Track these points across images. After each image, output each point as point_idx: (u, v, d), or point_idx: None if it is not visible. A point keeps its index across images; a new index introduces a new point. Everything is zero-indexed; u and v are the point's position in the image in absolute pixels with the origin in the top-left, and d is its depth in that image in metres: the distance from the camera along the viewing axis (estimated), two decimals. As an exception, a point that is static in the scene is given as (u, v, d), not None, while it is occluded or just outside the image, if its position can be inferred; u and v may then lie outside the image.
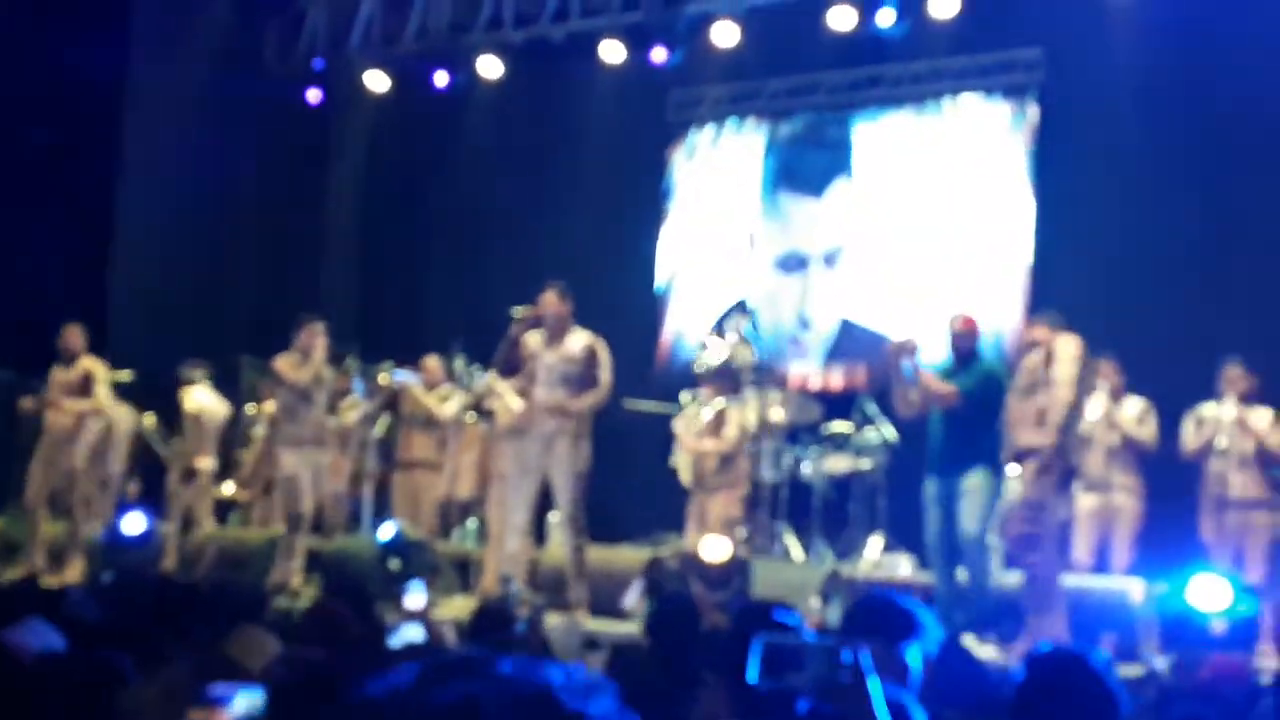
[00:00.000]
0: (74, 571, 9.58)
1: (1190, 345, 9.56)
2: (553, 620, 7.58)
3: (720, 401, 9.59)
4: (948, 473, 7.49)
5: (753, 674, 2.14)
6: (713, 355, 10.07)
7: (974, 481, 7.40)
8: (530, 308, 8.27)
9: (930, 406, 7.63)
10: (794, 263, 12.44)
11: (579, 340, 8.22)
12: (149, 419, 10.95)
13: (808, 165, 12.48)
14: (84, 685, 2.91)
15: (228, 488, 11.14)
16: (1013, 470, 7.63)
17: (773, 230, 12.60)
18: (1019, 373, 7.47)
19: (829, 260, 12.27)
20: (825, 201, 12.38)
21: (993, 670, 6.73)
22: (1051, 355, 7.17)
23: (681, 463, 9.49)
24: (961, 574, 7.50)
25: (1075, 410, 7.21)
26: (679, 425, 9.58)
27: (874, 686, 2.21)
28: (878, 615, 3.17)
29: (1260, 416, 8.40)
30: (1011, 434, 7.42)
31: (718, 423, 9.41)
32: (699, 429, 9.51)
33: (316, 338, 9.03)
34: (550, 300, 8.21)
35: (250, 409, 11.36)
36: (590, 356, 8.19)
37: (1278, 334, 9.73)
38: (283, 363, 9.07)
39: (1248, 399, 8.44)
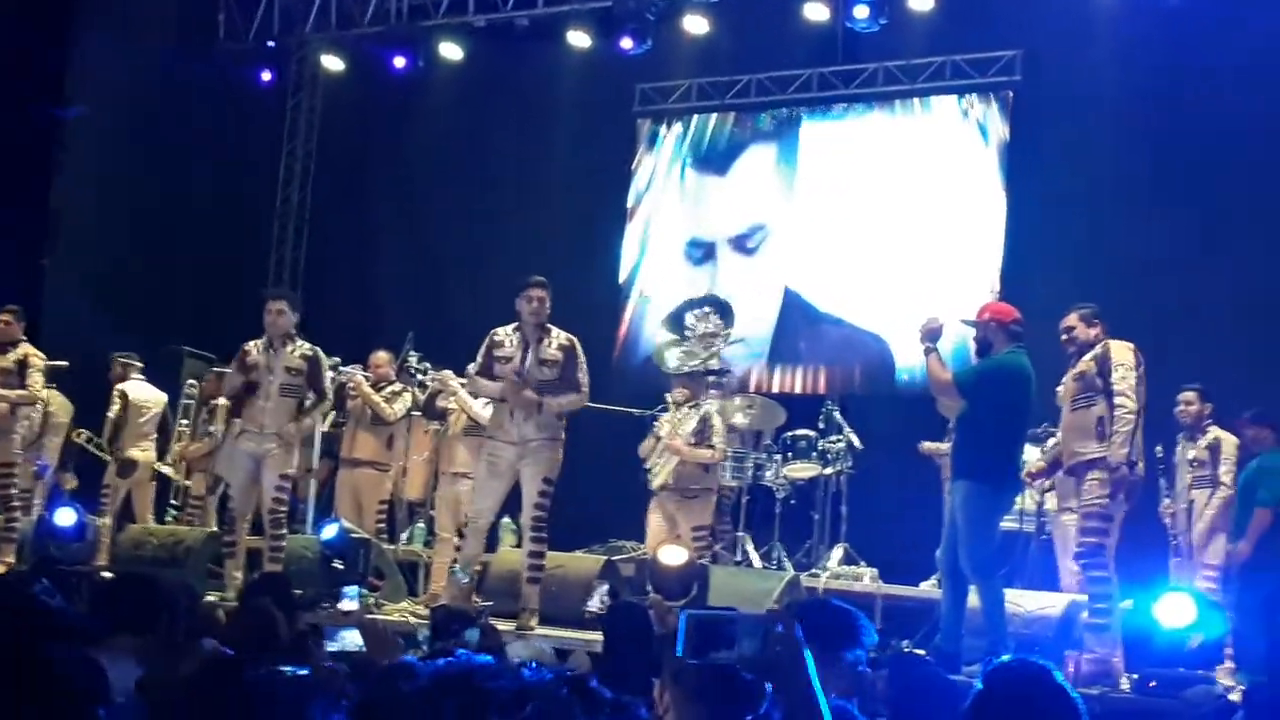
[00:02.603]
0: (3, 563, 9.16)
1: (1160, 347, 9.45)
2: (504, 628, 7.23)
3: (708, 405, 9.23)
4: (952, 479, 7.00)
5: (681, 648, 2.12)
6: (687, 355, 9.71)
7: (957, 496, 6.83)
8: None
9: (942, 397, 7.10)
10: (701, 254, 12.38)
11: (556, 340, 7.87)
12: (80, 434, 10.54)
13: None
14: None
15: (166, 467, 10.72)
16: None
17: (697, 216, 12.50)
18: (1065, 381, 6.95)
19: (745, 247, 12.14)
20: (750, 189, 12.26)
21: (960, 685, 6.50)
22: (1107, 363, 6.80)
23: (662, 466, 9.04)
24: (974, 599, 6.91)
25: (1139, 418, 6.77)
26: (664, 428, 9.16)
27: (808, 658, 2.18)
28: (818, 620, 3.08)
29: None
30: (1064, 443, 7.00)
31: (702, 428, 9.05)
32: (685, 433, 9.08)
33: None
34: (542, 298, 7.82)
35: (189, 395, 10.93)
36: (568, 357, 7.83)
37: (1249, 335, 9.68)
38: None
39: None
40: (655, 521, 9.00)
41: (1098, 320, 7.00)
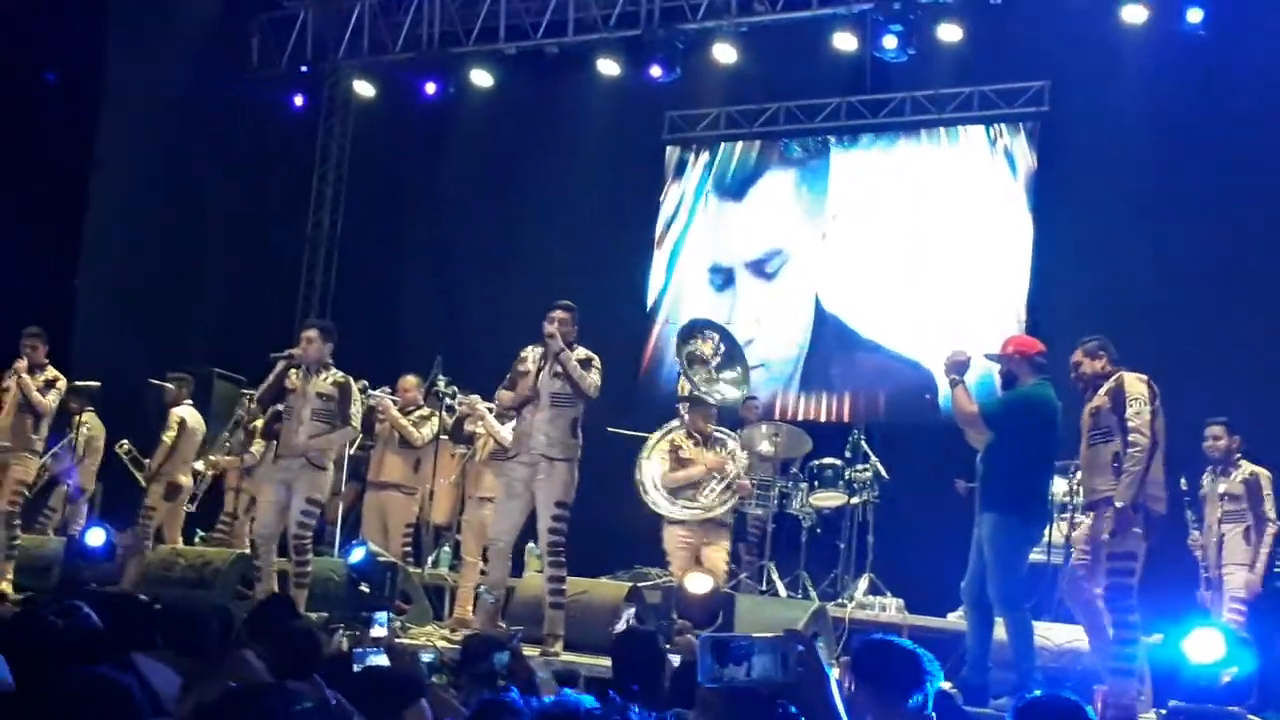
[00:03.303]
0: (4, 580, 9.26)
1: (1186, 378, 9.43)
2: (527, 653, 7.24)
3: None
4: (978, 510, 6.93)
5: (703, 672, 2.10)
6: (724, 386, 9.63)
7: (983, 528, 6.81)
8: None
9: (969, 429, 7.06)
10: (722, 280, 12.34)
11: (576, 355, 7.92)
12: (122, 445, 10.60)
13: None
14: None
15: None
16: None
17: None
18: (1084, 415, 6.89)
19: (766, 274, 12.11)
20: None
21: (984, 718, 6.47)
22: (1121, 397, 6.78)
23: (724, 499, 8.99)
24: (1000, 631, 6.87)
25: (1153, 454, 6.67)
26: (703, 457, 9.10)
27: (830, 677, 2.17)
28: (881, 661, 2.96)
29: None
30: (1085, 480, 6.96)
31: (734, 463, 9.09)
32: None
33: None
34: (563, 320, 7.89)
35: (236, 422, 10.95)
36: (583, 365, 7.88)
37: (1276, 365, 9.65)
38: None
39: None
40: (686, 553, 8.95)
41: (1103, 352, 6.94)
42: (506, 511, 7.97)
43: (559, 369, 7.83)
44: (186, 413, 10.44)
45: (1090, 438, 6.83)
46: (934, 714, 2.96)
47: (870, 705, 2.77)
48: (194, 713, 2.89)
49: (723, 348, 9.72)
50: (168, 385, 10.45)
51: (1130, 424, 6.61)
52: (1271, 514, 8.18)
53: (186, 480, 10.42)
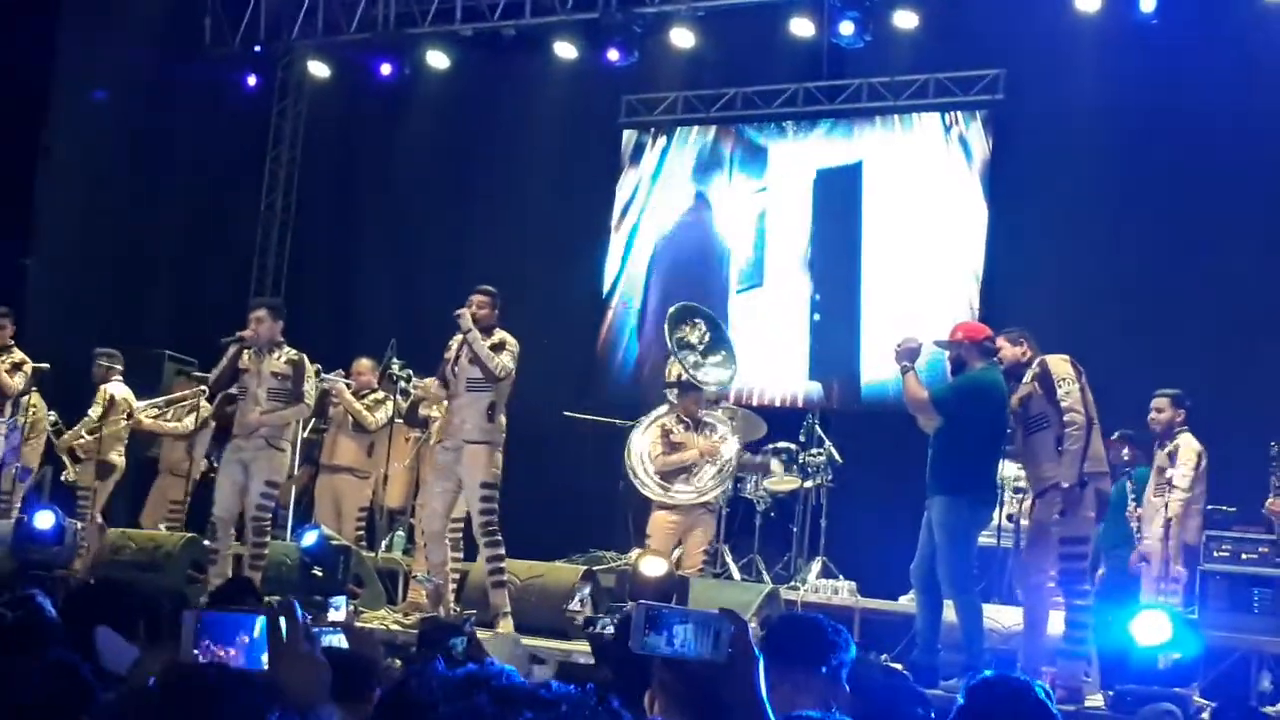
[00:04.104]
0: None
1: (1140, 362, 9.57)
2: (484, 636, 7.23)
3: (718, 421, 9.23)
4: (928, 494, 7.01)
5: (636, 640, 2.09)
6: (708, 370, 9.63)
7: (934, 512, 6.89)
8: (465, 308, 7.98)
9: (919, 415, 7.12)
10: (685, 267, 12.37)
11: (491, 340, 7.96)
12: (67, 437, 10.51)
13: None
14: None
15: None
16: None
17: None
18: (1011, 402, 6.96)
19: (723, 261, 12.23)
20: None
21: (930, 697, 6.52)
22: (1049, 381, 6.84)
23: (719, 482, 8.98)
24: (951, 614, 6.95)
25: (1090, 430, 6.77)
26: (697, 442, 9.11)
27: (760, 661, 2.15)
28: (796, 636, 3.06)
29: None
30: (1029, 470, 7.03)
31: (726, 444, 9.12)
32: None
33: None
34: (481, 303, 7.97)
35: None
36: (494, 349, 7.91)
37: (1225, 348, 9.77)
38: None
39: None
40: (668, 535, 8.92)
41: (1023, 340, 7.07)
42: (436, 495, 8.08)
43: (473, 354, 7.86)
44: (116, 389, 10.35)
45: (1026, 427, 6.91)
46: (848, 685, 3.01)
47: (783, 679, 2.80)
48: (142, 686, 2.87)
49: (709, 335, 9.74)
50: (98, 361, 10.36)
51: (1063, 404, 6.72)
52: (1182, 484, 7.90)
53: (119, 459, 10.33)
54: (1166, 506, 7.95)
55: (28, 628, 3.92)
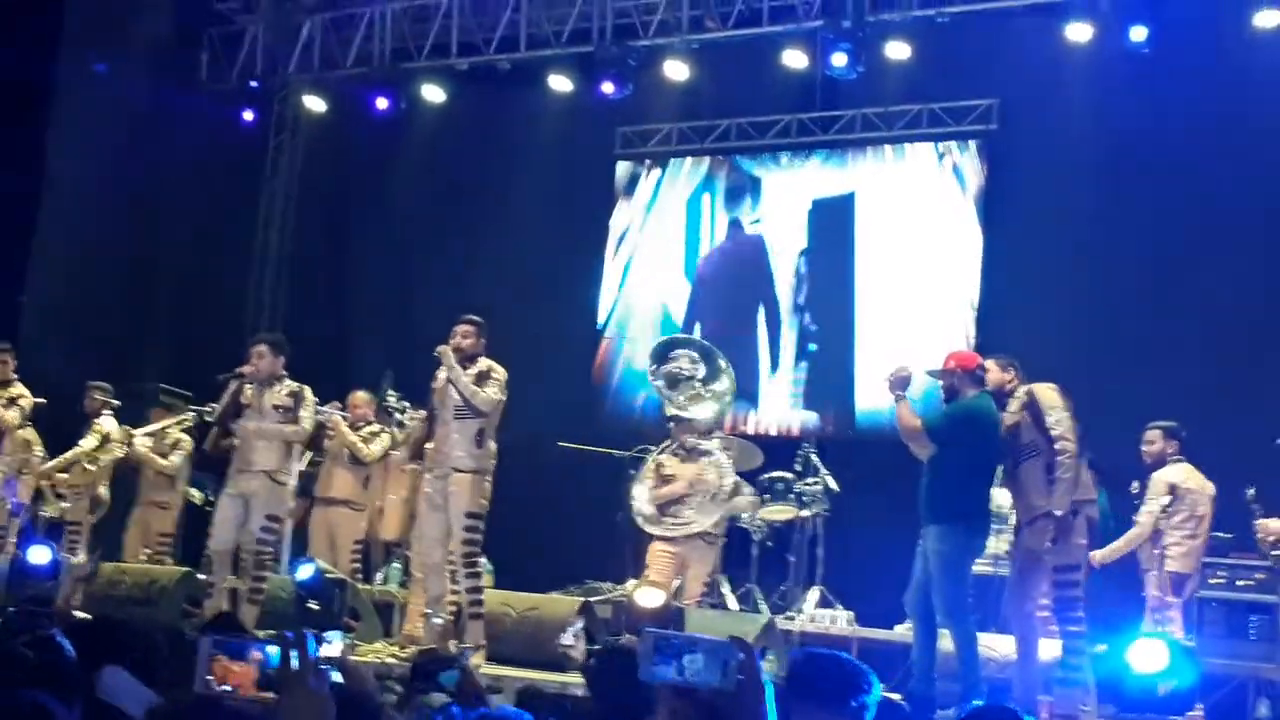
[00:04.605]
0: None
1: (1135, 390, 9.59)
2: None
3: (715, 449, 9.20)
4: (922, 523, 7.00)
5: (642, 669, 2.10)
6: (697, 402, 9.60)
7: (928, 540, 6.89)
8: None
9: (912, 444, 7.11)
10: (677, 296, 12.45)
11: (476, 369, 7.95)
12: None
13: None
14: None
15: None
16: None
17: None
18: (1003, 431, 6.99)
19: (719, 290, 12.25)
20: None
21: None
22: (1037, 410, 6.84)
23: (706, 514, 8.91)
24: (947, 642, 6.95)
25: (1078, 460, 6.79)
26: (686, 471, 9.05)
27: (768, 688, 2.16)
28: (820, 674, 2.94)
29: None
30: (1021, 500, 7.02)
31: (720, 475, 9.04)
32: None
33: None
34: (465, 333, 7.98)
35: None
36: (479, 378, 7.90)
37: (1219, 376, 9.83)
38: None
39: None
40: (667, 568, 8.85)
41: (1011, 367, 7.13)
42: (429, 525, 8.02)
43: (461, 385, 7.88)
44: (108, 424, 10.35)
45: (1015, 456, 6.91)
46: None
47: (806, 718, 2.76)
48: None
49: (701, 366, 9.72)
50: (91, 395, 10.36)
51: (1054, 433, 6.74)
52: (1142, 517, 8.07)
53: (106, 494, 10.33)
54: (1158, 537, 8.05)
55: (51, 666, 3.88)
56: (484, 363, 7.99)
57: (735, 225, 12.47)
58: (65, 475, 10.33)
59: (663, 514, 9.01)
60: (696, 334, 11.55)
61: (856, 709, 2.88)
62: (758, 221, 12.37)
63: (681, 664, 2.11)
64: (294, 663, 2.20)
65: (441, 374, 8.00)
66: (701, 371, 9.62)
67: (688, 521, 8.88)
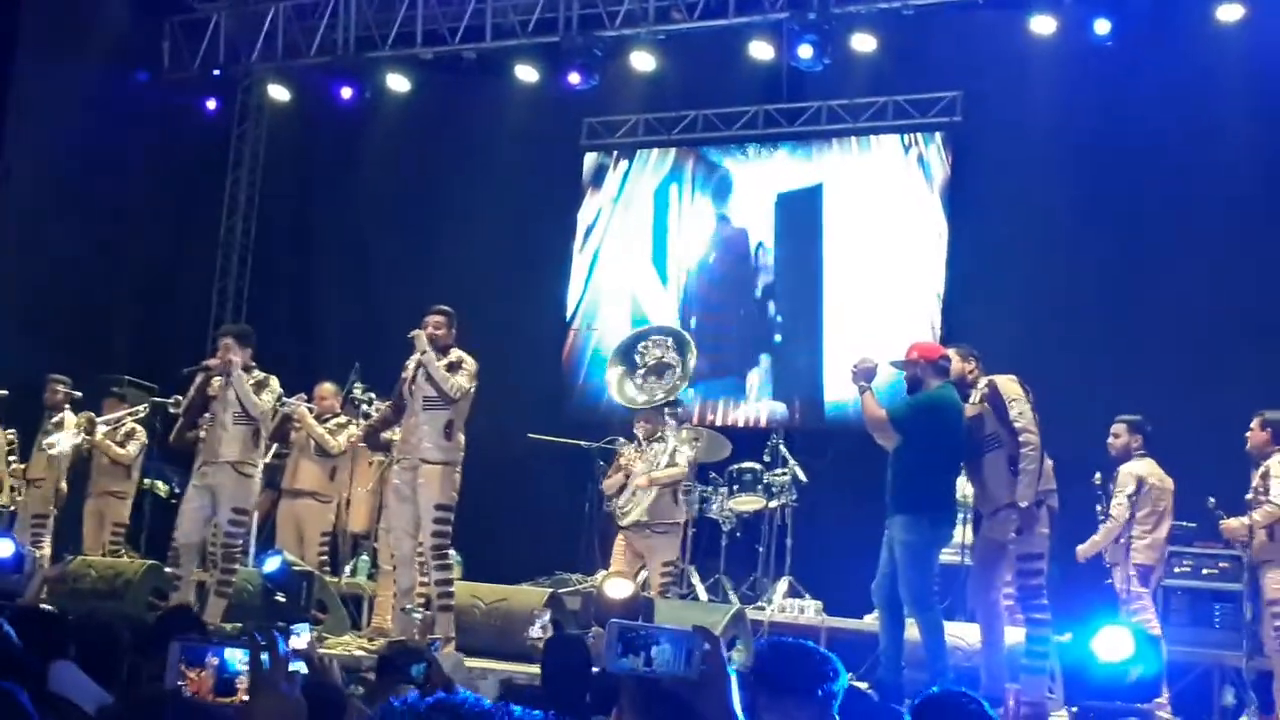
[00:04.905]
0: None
1: (1098, 380, 9.67)
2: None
3: (672, 437, 9.18)
4: (888, 513, 7.01)
5: (608, 660, 2.09)
6: (647, 389, 9.63)
7: (894, 530, 6.92)
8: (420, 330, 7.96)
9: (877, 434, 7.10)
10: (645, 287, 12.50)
11: (448, 359, 7.93)
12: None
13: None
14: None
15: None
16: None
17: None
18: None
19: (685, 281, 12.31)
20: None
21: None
22: (999, 401, 6.89)
23: (635, 504, 8.90)
24: (914, 632, 6.98)
25: (1040, 451, 6.80)
26: (635, 464, 9.07)
27: (732, 679, 2.16)
28: (786, 663, 2.95)
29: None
30: (984, 491, 7.03)
31: (671, 461, 9.02)
32: (660, 468, 9.00)
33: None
34: (437, 324, 7.95)
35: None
36: (450, 367, 7.89)
37: (1183, 367, 9.92)
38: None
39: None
40: (623, 558, 8.92)
41: (972, 357, 7.15)
42: (398, 516, 7.99)
43: (428, 373, 7.85)
44: (70, 415, 10.28)
45: (977, 447, 6.94)
46: (838, 716, 2.93)
47: (772, 707, 2.77)
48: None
49: (674, 351, 9.75)
50: (52, 386, 10.28)
51: (1017, 424, 6.76)
52: (1115, 510, 8.05)
53: (64, 486, 10.27)
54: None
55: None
56: (455, 353, 7.97)
57: (723, 220, 12.47)
58: (22, 466, 10.25)
59: (612, 503, 9.05)
60: (675, 324, 11.60)
61: (823, 698, 2.89)
62: (724, 212, 12.38)
63: (648, 655, 2.11)
64: (264, 665, 2.18)
65: (411, 363, 7.96)
66: (677, 357, 9.69)
67: (626, 509, 8.89)
